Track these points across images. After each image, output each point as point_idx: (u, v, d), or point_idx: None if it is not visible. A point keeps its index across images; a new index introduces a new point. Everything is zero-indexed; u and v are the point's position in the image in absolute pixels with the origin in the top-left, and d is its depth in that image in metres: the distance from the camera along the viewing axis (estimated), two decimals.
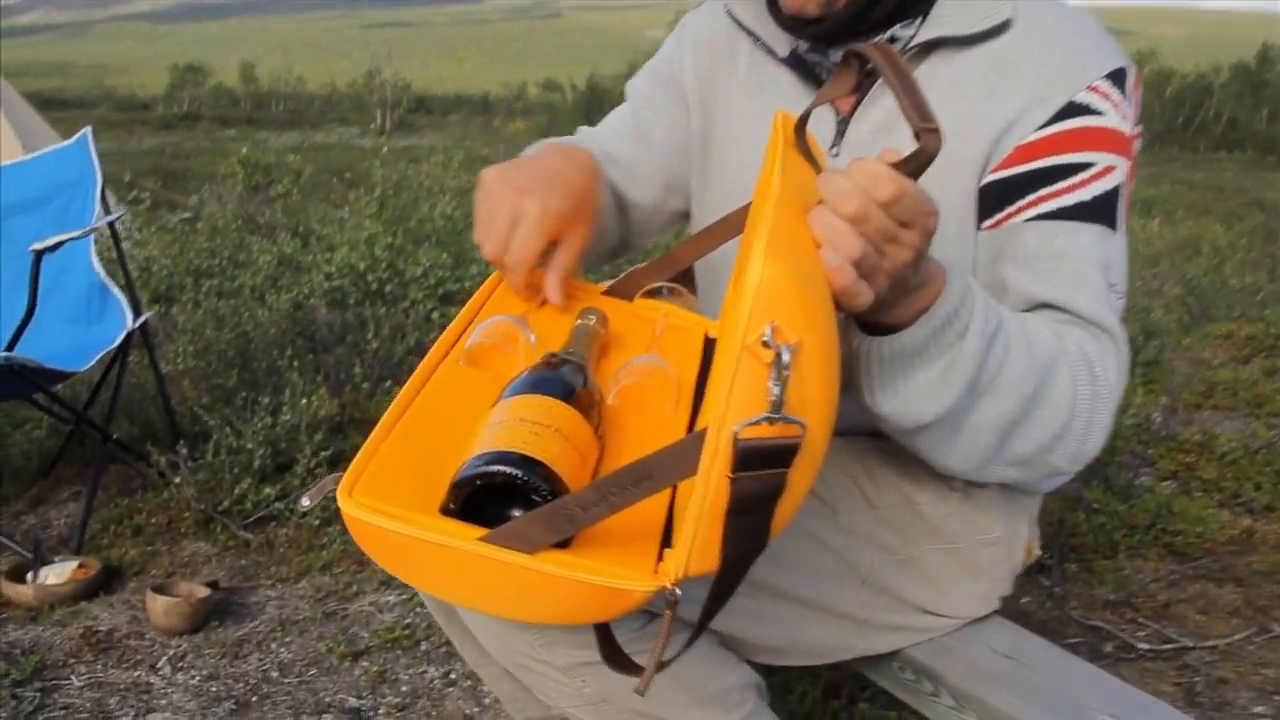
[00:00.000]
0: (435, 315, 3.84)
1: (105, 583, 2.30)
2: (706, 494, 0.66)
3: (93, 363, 2.62)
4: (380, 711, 1.86)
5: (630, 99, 1.40)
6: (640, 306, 1.13)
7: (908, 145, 0.74)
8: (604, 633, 0.83)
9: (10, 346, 2.35)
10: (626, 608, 0.70)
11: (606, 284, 1.16)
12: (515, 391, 0.81)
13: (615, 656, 0.82)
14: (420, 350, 3.56)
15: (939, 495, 1.19)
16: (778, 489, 0.68)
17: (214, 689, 1.90)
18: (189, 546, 2.50)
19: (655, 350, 1.03)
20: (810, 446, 0.67)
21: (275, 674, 1.95)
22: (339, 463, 2.86)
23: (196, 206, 7.47)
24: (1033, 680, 1.25)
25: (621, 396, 0.93)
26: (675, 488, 0.78)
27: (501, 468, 0.71)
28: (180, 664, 1.98)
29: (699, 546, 0.68)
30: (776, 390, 0.64)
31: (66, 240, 2.39)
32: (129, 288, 2.87)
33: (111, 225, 2.84)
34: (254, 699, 1.87)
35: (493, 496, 0.72)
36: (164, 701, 1.86)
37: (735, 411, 0.65)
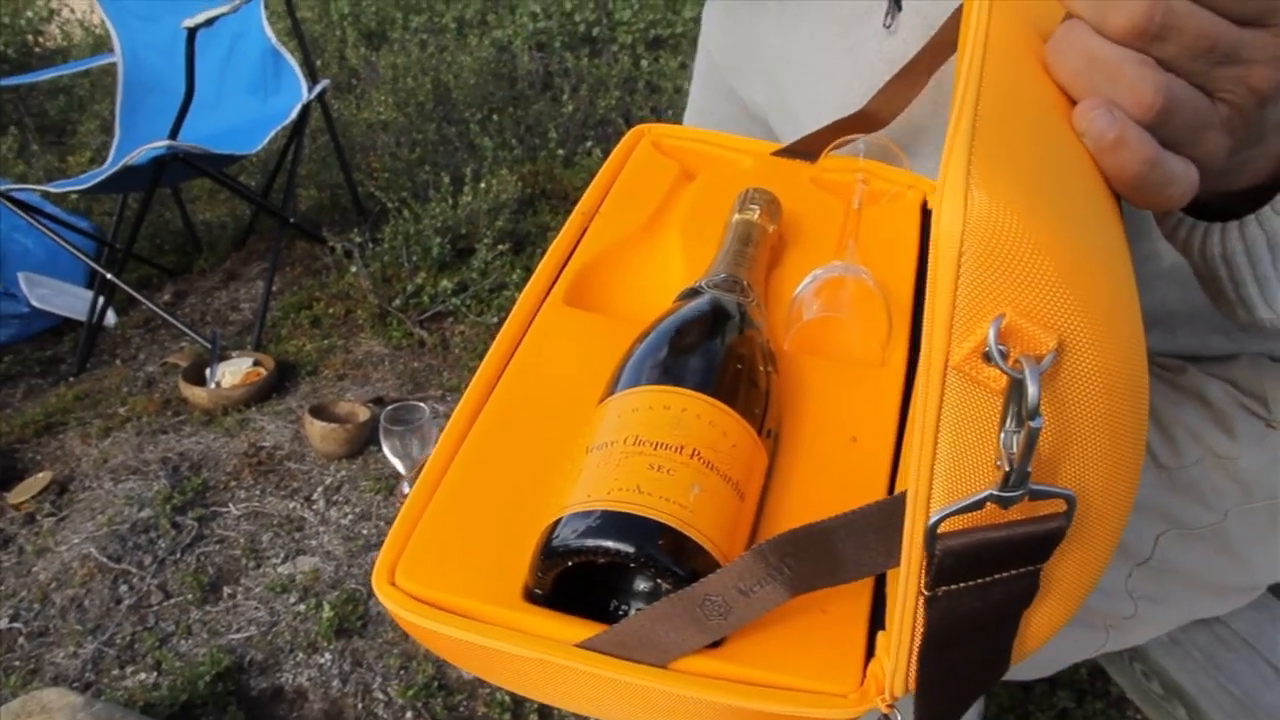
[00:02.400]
0: (644, 64, 3.44)
1: (278, 383, 2.24)
2: (916, 604, 0.39)
3: (266, 141, 2.46)
4: None
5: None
6: (828, 169, 0.77)
7: None
8: None
9: (174, 132, 2.20)
10: None
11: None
12: (631, 377, 0.51)
13: None
14: (623, 108, 3.22)
15: (1255, 436, 0.83)
16: (1023, 595, 0.39)
17: (364, 532, 1.81)
18: (364, 344, 2.39)
19: (853, 240, 0.68)
20: (1093, 522, 0.37)
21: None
22: (522, 249, 2.66)
23: None
24: None
25: (802, 338, 0.61)
26: None
27: (605, 543, 0.44)
28: (334, 497, 1.90)
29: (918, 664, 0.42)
30: (1013, 446, 0.33)
31: (219, 16, 2.16)
32: (305, 56, 2.64)
33: None
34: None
35: (603, 570, 0.46)
36: (314, 543, 1.78)
37: (940, 485, 0.35)
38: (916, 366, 0.59)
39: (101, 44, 4.06)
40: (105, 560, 1.73)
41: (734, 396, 0.49)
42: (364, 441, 2.01)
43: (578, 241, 0.68)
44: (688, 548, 0.44)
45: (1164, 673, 1.06)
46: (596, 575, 0.47)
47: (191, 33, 2.14)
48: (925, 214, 0.73)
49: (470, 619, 0.46)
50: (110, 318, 2.48)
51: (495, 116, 3.23)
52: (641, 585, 0.48)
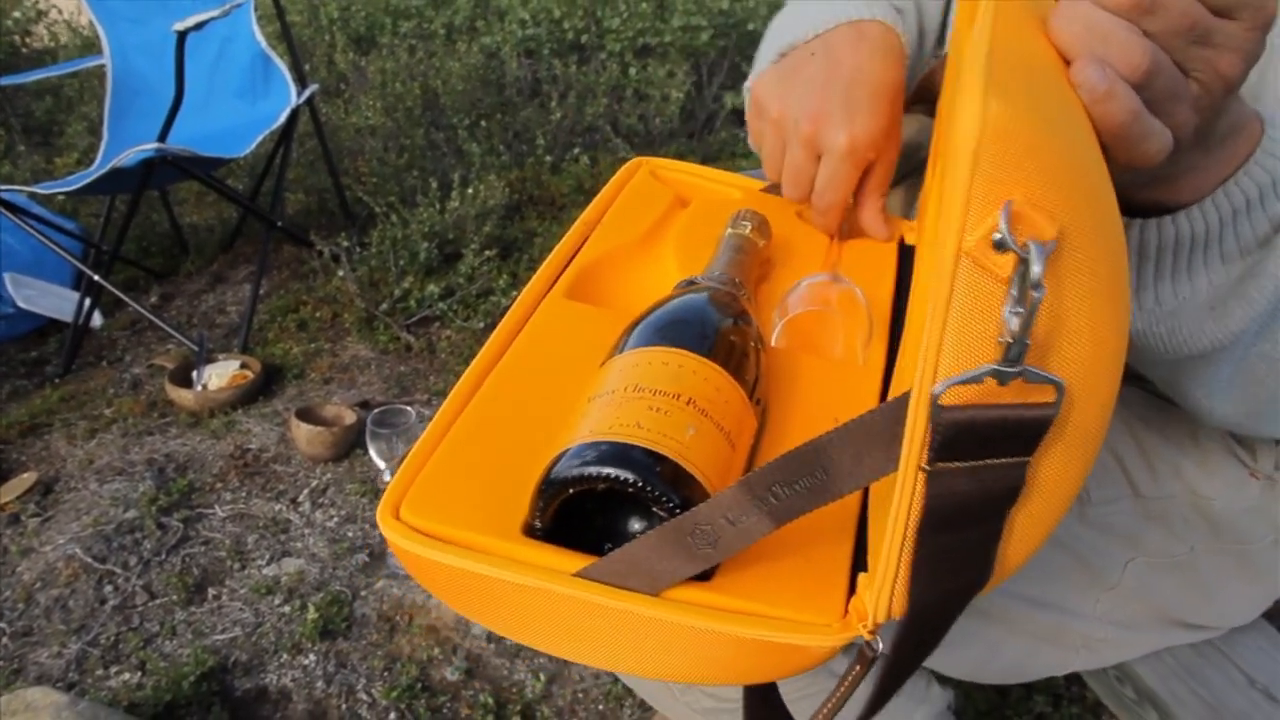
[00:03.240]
0: (632, 72, 3.46)
1: (264, 385, 2.24)
2: (909, 498, 0.41)
3: (254, 144, 2.47)
4: None
5: None
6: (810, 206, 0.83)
7: None
8: (760, 693, 0.60)
9: (163, 135, 2.21)
10: (800, 667, 0.48)
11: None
12: (634, 342, 0.55)
13: (760, 710, 0.60)
14: (610, 116, 3.24)
15: (1235, 486, 0.87)
16: (1010, 490, 0.41)
17: (350, 534, 1.81)
18: (350, 348, 2.40)
19: (836, 263, 0.75)
20: (1075, 419, 0.40)
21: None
22: (509, 255, 2.67)
23: None
24: None
25: (790, 334, 0.66)
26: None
27: (605, 469, 0.46)
28: (320, 500, 1.90)
29: (906, 574, 0.44)
30: (1015, 322, 0.36)
31: (208, 19, 2.16)
32: (294, 60, 2.66)
33: None
34: (388, 551, 1.78)
35: (600, 504, 0.49)
36: (299, 545, 1.79)
37: (945, 361, 0.38)
38: (893, 367, 0.63)
39: (89, 46, 4.05)
40: (90, 561, 1.73)
41: (728, 362, 0.53)
42: (350, 444, 2.02)
43: (580, 246, 0.73)
44: (682, 477, 0.46)
45: (1137, 678, 1.08)
46: (594, 513, 0.49)
47: (181, 36, 2.15)
48: (901, 247, 0.79)
49: (470, 549, 0.48)
50: (96, 319, 2.48)
51: (483, 123, 3.25)
52: (635, 525, 0.50)
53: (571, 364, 0.60)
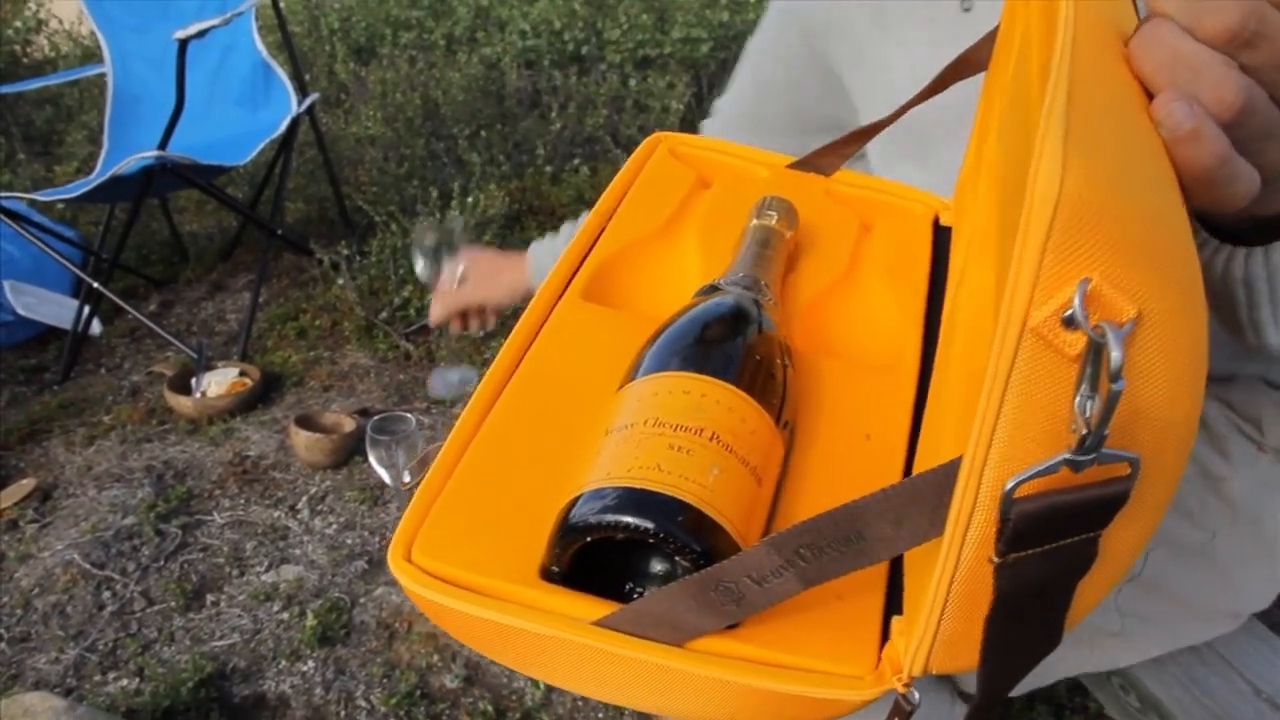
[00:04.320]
0: (632, 83, 3.47)
1: (264, 393, 2.24)
2: (952, 574, 0.39)
3: (255, 153, 2.48)
4: None
5: None
6: (840, 182, 0.78)
7: None
8: None
9: (164, 142, 2.21)
10: (831, 715, 0.46)
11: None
12: (651, 365, 0.52)
13: None
14: (610, 127, 3.25)
15: (1247, 459, 0.86)
16: (1081, 565, 0.39)
17: (349, 541, 1.81)
18: (350, 356, 2.40)
19: (866, 244, 0.71)
20: (1147, 488, 0.37)
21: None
22: None
23: None
24: None
25: (816, 334, 0.63)
26: None
27: (624, 518, 0.44)
28: (319, 507, 1.90)
29: (946, 640, 0.41)
30: (1089, 408, 0.33)
31: (210, 28, 2.17)
32: (295, 69, 2.66)
33: (275, 1, 2.60)
34: (387, 558, 1.78)
35: (621, 547, 0.47)
36: (298, 552, 1.79)
37: (1007, 447, 0.35)
38: (929, 370, 0.61)
39: (90, 55, 4.06)
40: (88, 567, 1.73)
41: (752, 385, 0.50)
42: (349, 452, 2.01)
43: (595, 240, 0.69)
44: (706, 525, 0.44)
45: (1141, 686, 1.08)
46: (613, 556, 0.47)
47: (183, 44, 2.16)
48: (937, 229, 0.74)
49: (486, 596, 0.46)
50: (95, 327, 2.48)
51: (483, 133, 3.25)
52: (658, 567, 0.49)
53: (589, 380, 0.57)
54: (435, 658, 1.57)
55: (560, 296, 0.64)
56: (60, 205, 2.93)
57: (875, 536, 0.41)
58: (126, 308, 2.33)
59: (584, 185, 3.12)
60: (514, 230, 2.84)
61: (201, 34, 2.17)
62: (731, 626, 0.45)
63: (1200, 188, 0.40)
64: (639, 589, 0.48)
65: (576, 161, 3.24)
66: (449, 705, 1.50)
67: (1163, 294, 0.34)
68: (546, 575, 0.47)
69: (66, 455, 2.05)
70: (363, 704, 1.49)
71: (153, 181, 2.26)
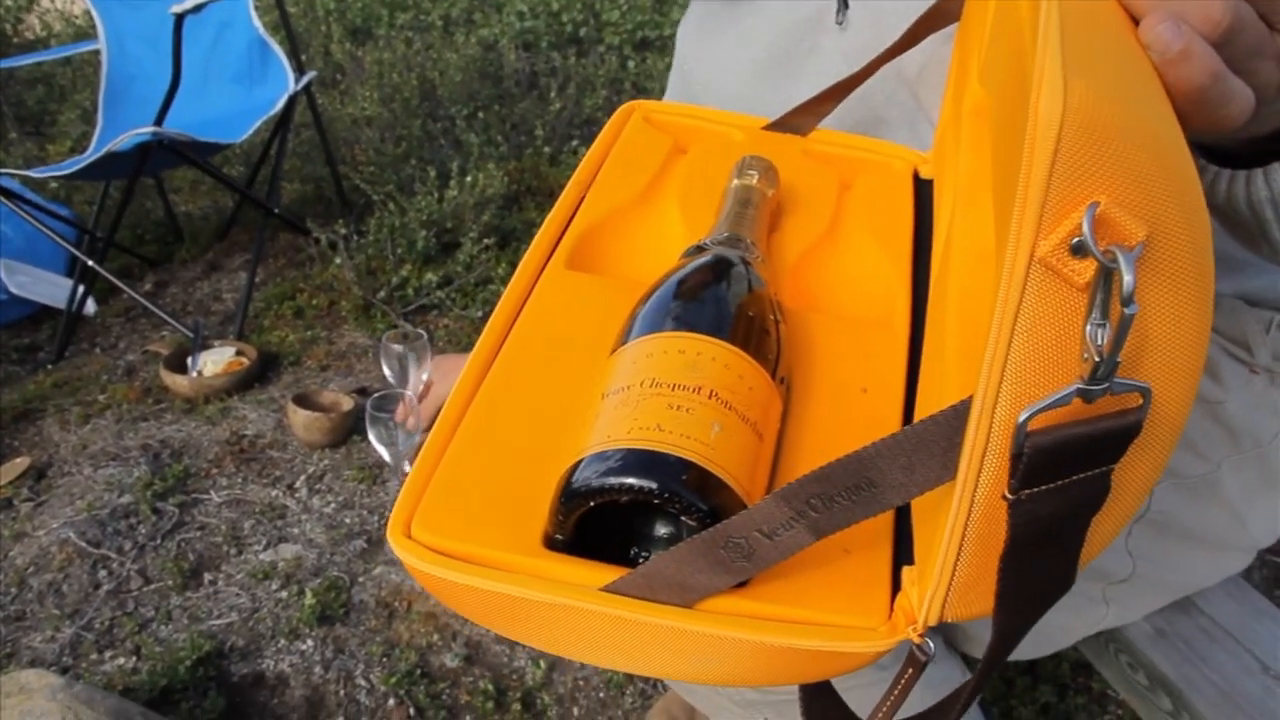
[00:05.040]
0: (631, 65, 3.45)
1: (261, 372, 2.22)
2: (966, 516, 0.38)
3: (251, 131, 2.45)
4: None
5: None
6: (818, 141, 0.79)
7: None
8: (815, 686, 0.56)
9: (160, 119, 2.19)
10: (845, 670, 0.45)
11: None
12: (643, 326, 0.51)
13: (819, 713, 0.56)
14: (609, 108, 3.22)
15: (1240, 381, 0.86)
16: (1096, 500, 0.38)
17: (347, 520, 1.80)
18: (347, 335, 2.38)
19: (848, 201, 0.72)
20: (1158, 419, 0.37)
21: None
22: (507, 244, 2.65)
23: None
24: None
25: (804, 292, 0.63)
26: None
27: (628, 480, 0.43)
28: (317, 486, 1.88)
29: (962, 584, 0.40)
30: (1101, 337, 0.33)
31: (207, 2, 2.14)
32: (292, 47, 2.63)
33: None
34: (386, 535, 1.76)
35: (625, 511, 0.46)
36: (296, 531, 1.77)
37: (1018, 382, 0.35)
38: (921, 323, 0.61)
39: (82, 34, 4.02)
40: (84, 545, 1.71)
41: (747, 342, 0.49)
42: (348, 431, 2.00)
43: (575, 209, 0.68)
44: (711, 483, 0.44)
45: (1149, 664, 1.07)
46: (617, 520, 0.46)
47: (179, 18, 2.13)
48: (918, 183, 0.75)
49: (490, 568, 0.45)
50: (90, 306, 2.46)
51: (481, 114, 3.23)
52: (662, 530, 0.48)
53: (579, 347, 0.56)
54: (435, 637, 1.55)
55: (544, 266, 0.63)
56: (54, 184, 2.90)
57: (886, 483, 0.40)
58: (122, 286, 2.30)
59: None
60: (512, 210, 2.82)
61: (198, 8, 2.14)
62: (741, 585, 0.44)
63: (1195, 109, 0.40)
64: (644, 553, 0.47)
65: (575, 143, 3.22)
66: (449, 684, 1.48)
67: (1170, 215, 0.33)
68: (550, 544, 0.46)
69: (61, 434, 2.03)
70: (362, 683, 1.48)
71: (148, 159, 2.24)
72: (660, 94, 3.22)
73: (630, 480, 0.43)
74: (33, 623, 1.57)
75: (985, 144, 0.51)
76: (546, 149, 3.13)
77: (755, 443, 0.47)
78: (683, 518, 0.44)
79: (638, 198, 0.70)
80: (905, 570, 0.45)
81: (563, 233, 0.66)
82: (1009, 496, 0.36)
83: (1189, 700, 1.03)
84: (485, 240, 2.51)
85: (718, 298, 0.53)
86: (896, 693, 0.44)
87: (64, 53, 2.89)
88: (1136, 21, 0.40)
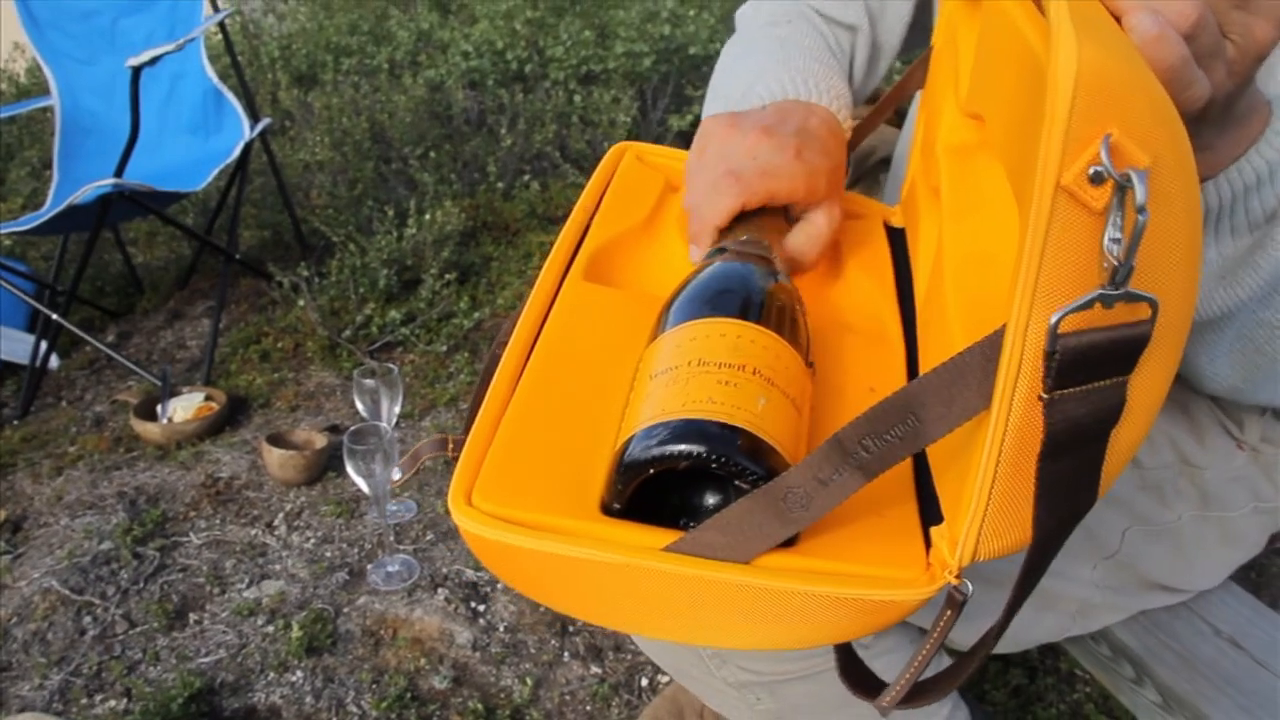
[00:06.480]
0: (577, 99, 3.53)
1: (231, 416, 2.25)
2: (1004, 430, 0.42)
3: (210, 179, 2.48)
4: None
5: None
6: None
7: None
8: (846, 649, 0.61)
9: (119, 170, 2.22)
10: (889, 621, 0.49)
11: None
12: (681, 315, 0.56)
13: (853, 671, 0.60)
14: (559, 142, 3.29)
15: (1224, 455, 0.93)
16: (1115, 409, 0.43)
17: (328, 554, 1.83)
18: (315, 376, 2.41)
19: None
20: (1165, 337, 0.43)
21: (390, 538, 1.86)
22: (467, 279, 2.70)
23: None
24: (1266, 685, 0.99)
25: (808, 307, 0.67)
26: None
27: (686, 446, 0.47)
28: (296, 522, 1.91)
29: (996, 514, 0.44)
30: (1118, 248, 0.39)
31: (162, 54, 2.18)
32: (246, 95, 2.68)
33: (223, 26, 2.62)
34: (368, 567, 1.79)
35: (678, 482, 0.50)
36: (278, 567, 1.80)
37: (1048, 292, 0.40)
38: (912, 344, 0.67)
39: (27, 91, 4.02)
40: (67, 593, 1.72)
41: (780, 327, 0.55)
42: (322, 468, 2.03)
43: (584, 232, 0.73)
44: (763, 448, 0.48)
45: (1112, 636, 1.13)
46: (670, 491, 0.50)
47: (136, 71, 2.17)
48: (889, 230, 0.82)
49: (551, 531, 0.48)
50: (54, 361, 2.46)
51: (432, 153, 3.28)
52: (711, 500, 0.52)
53: (609, 344, 0.60)
54: (423, 661, 1.59)
55: (561, 280, 0.68)
56: (8, 241, 2.91)
57: (930, 416, 0.45)
58: (87, 339, 2.32)
59: (536, 200, 3.16)
60: (470, 245, 2.87)
61: (154, 61, 2.18)
62: (789, 545, 0.48)
63: (1166, 87, 0.47)
64: (693, 523, 0.51)
65: (527, 177, 3.28)
66: (439, 706, 1.52)
67: (1167, 142, 0.40)
68: (607, 511, 0.50)
69: (34, 487, 2.04)
70: (354, 709, 1.51)
71: (108, 210, 2.26)
72: (609, 125, 3.25)
73: (689, 447, 0.47)
74: (20, 672, 1.58)
75: (970, 165, 0.58)
76: (499, 184, 3.19)
77: (795, 415, 0.51)
78: (736, 481, 0.48)
79: (642, 224, 0.76)
80: (934, 530, 0.48)
81: (574, 251, 0.71)
82: (1045, 396, 0.41)
83: (1149, 666, 1.09)
84: (446, 276, 2.56)
85: (750, 288, 0.58)
86: (940, 630, 0.48)
87: (16, 110, 2.89)
88: (1118, 19, 0.47)
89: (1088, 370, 0.41)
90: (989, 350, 0.43)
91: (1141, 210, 0.37)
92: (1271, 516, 0.98)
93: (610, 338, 0.61)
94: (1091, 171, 0.38)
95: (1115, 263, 0.39)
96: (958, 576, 0.46)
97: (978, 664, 0.51)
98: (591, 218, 0.75)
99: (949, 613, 0.47)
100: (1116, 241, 0.38)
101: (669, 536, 0.47)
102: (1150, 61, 0.46)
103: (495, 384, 0.57)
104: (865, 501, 0.49)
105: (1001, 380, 0.42)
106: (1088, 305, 0.40)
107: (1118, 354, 0.41)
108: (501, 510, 0.49)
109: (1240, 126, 0.59)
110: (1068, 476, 0.44)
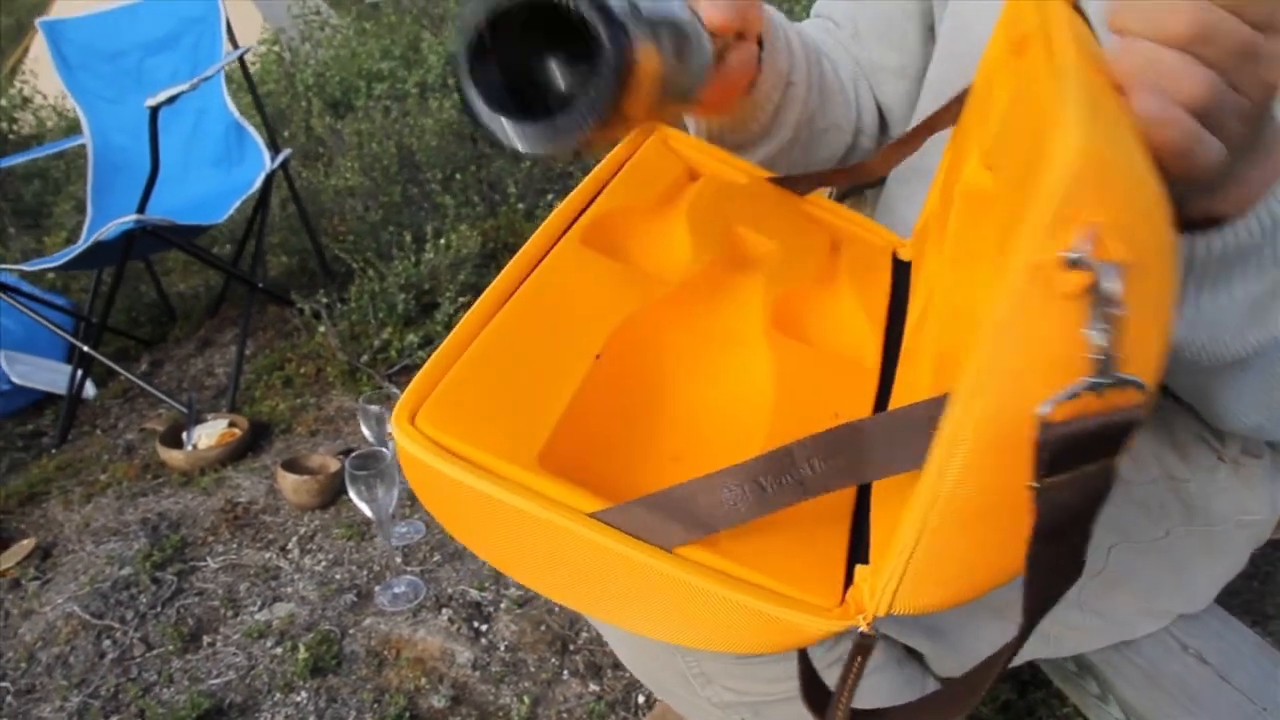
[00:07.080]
0: None
1: (253, 441, 2.32)
2: (932, 498, 0.42)
3: (232, 210, 2.57)
4: (501, 606, 1.79)
5: None
6: (813, 204, 0.85)
7: None
8: (804, 662, 0.60)
9: (141, 206, 2.30)
10: (789, 645, 0.49)
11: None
12: None
13: (811, 691, 0.59)
14: (580, 163, 3.34)
15: (1207, 469, 0.92)
16: (1103, 491, 0.43)
17: (338, 576, 1.88)
18: (334, 400, 2.48)
19: (837, 260, 0.79)
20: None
21: (398, 559, 1.91)
22: None
23: None
24: (1229, 702, 0.99)
25: (792, 322, 0.69)
26: None
27: None
28: (309, 546, 1.97)
29: (916, 574, 0.44)
30: (1102, 339, 0.38)
31: (179, 93, 2.27)
32: (267, 127, 2.76)
33: (242, 61, 2.70)
34: (375, 589, 1.84)
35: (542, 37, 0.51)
36: (289, 590, 1.86)
37: (1023, 375, 0.40)
38: (889, 376, 0.67)
39: (74, 128, 4.18)
40: (88, 618, 1.80)
41: None
42: (335, 492, 2.09)
43: (593, 198, 0.71)
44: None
45: (1077, 653, 1.14)
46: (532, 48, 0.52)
47: (154, 110, 2.25)
48: (895, 262, 0.82)
49: (484, 470, 0.47)
50: (89, 389, 2.56)
51: (458, 175, 3.35)
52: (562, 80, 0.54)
53: (587, 311, 0.60)
54: (423, 680, 1.63)
55: (559, 238, 0.66)
56: (50, 275, 3.03)
57: (872, 458, 0.45)
58: (118, 369, 2.41)
59: None
60: (489, 267, 2.92)
61: (172, 100, 2.26)
62: (713, 544, 0.47)
63: (1174, 163, 0.47)
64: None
65: (550, 198, 3.33)
66: None
67: (1150, 237, 0.40)
68: (473, 43, 0.52)
69: (65, 514, 2.12)
70: None
71: (134, 245, 2.35)
72: None
73: None
74: (42, 694, 1.66)
75: (979, 215, 0.59)
76: (520, 205, 3.25)
77: None
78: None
79: (653, 204, 0.75)
80: (860, 569, 0.48)
81: (580, 213, 0.69)
82: (1034, 485, 0.41)
83: (1113, 683, 1.09)
84: (462, 299, 2.61)
85: None
86: (851, 677, 0.48)
87: (54, 149, 3.02)
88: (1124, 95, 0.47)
89: (1076, 457, 0.41)
90: (934, 412, 0.42)
91: (1116, 305, 0.38)
92: (1255, 530, 0.97)
93: (590, 305, 0.60)
94: (1071, 257, 0.38)
95: (1098, 353, 0.38)
96: (869, 623, 0.46)
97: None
98: (603, 188, 0.73)
99: (859, 658, 0.47)
100: (1102, 329, 0.38)
101: (598, 502, 0.47)
102: (1155, 141, 0.45)
103: (467, 318, 0.55)
104: (800, 519, 0.49)
105: (937, 449, 0.41)
106: (1077, 394, 0.39)
107: (1108, 438, 0.41)
108: (440, 436, 0.48)
109: (1269, 155, 0.56)
110: (1056, 560, 0.44)
